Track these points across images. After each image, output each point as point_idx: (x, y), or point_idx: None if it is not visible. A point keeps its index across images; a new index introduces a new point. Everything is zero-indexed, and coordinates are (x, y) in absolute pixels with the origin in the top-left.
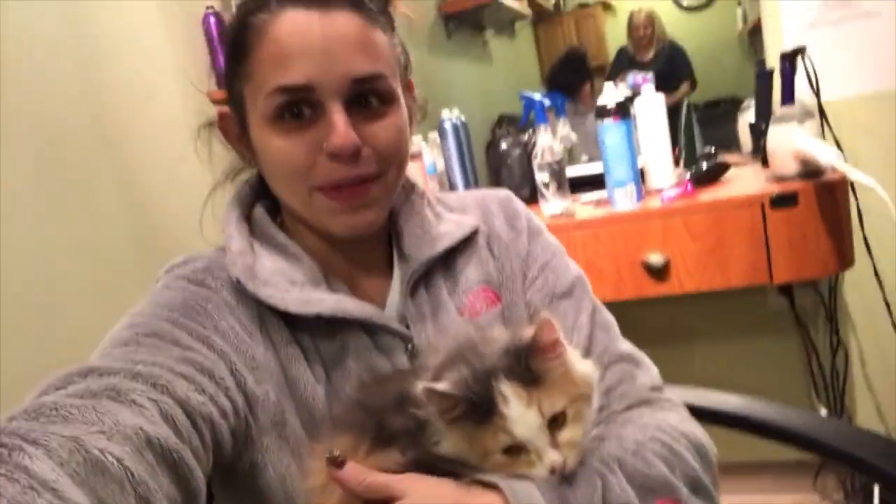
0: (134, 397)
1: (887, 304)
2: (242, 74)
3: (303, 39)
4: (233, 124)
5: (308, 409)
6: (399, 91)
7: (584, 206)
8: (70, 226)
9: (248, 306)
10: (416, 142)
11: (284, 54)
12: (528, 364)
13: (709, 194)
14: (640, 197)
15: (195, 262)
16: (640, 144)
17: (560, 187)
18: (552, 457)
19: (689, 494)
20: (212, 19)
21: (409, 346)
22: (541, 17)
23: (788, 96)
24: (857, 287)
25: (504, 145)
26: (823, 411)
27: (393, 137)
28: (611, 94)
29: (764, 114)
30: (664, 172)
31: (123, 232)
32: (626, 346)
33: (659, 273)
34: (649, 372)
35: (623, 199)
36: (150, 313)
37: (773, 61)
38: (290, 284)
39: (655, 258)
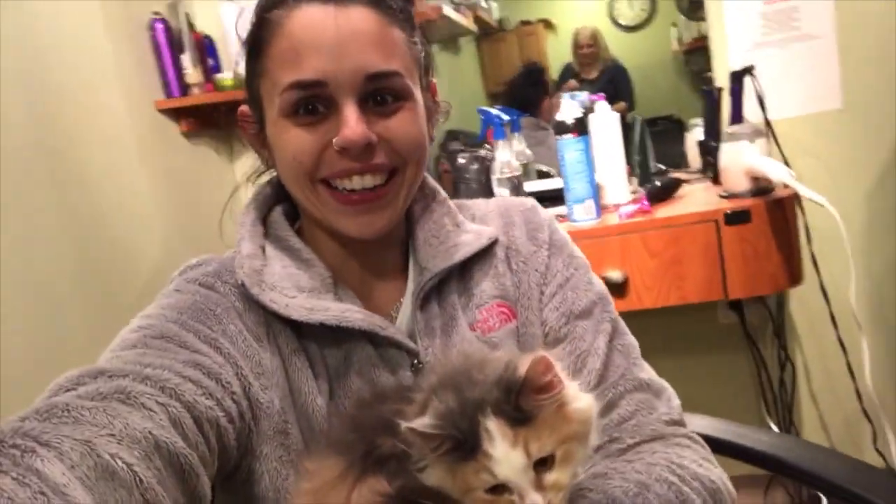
0: (143, 401)
1: (833, 319)
2: (259, 71)
3: (316, 34)
4: (251, 123)
5: (308, 420)
6: (416, 90)
7: None
8: (7, 233)
9: (256, 311)
10: None
11: (298, 50)
12: (518, 402)
13: (665, 211)
14: (598, 213)
15: (206, 266)
16: (594, 161)
17: None
18: (534, 499)
19: None
20: (158, 26)
21: (415, 361)
22: (485, 34)
23: (738, 115)
24: (803, 302)
25: (462, 160)
26: (773, 426)
27: (408, 132)
28: (569, 109)
29: (713, 132)
30: (620, 189)
31: (63, 240)
32: (646, 373)
33: (618, 289)
34: (669, 403)
35: (582, 215)
36: (159, 315)
37: (720, 80)
38: (298, 290)
39: (615, 274)
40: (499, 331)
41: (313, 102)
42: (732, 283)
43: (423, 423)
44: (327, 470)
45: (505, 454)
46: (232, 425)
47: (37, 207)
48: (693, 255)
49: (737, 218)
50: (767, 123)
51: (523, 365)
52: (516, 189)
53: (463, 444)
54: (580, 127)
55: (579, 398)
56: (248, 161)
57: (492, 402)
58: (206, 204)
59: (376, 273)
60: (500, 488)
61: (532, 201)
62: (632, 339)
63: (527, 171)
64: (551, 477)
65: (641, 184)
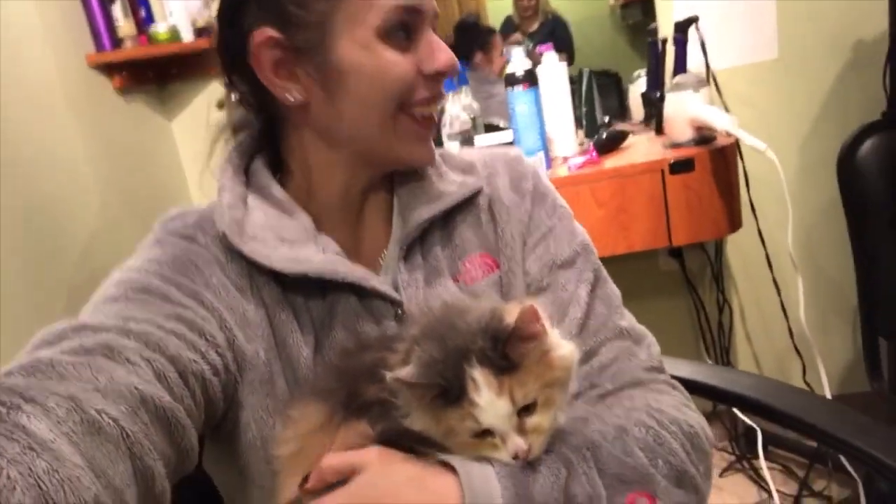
0: (128, 355)
1: (769, 262)
2: None
3: None
4: (280, 51)
5: (294, 372)
6: None
7: None
8: None
9: (238, 263)
10: None
11: None
12: (504, 351)
13: (612, 161)
14: (549, 165)
15: (186, 217)
16: (545, 116)
17: None
18: (517, 443)
19: (668, 487)
20: None
21: (399, 311)
22: None
23: (682, 65)
24: (740, 247)
25: None
26: (709, 362)
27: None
28: (519, 62)
29: (656, 83)
30: (568, 141)
31: None
32: (626, 321)
33: None
34: (649, 350)
35: None
36: (140, 268)
37: (664, 31)
38: (279, 241)
39: None
40: (482, 281)
41: (406, 27)
42: (676, 231)
43: (408, 372)
44: (311, 416)
45: (490, 402)
46: (217, 378)
47: None
48: (639, 205)
49: (681, 167)
50: (709, 73)
51: (509, 314)
52: (467, 143)
53: (448, 392)
54: (530, 79)
55: (561, 346)
56: (186, 120)
57: (476, 350)
58: (143, 164)
59: (363, 222)
60: (483, 432)
61: (517, 150)
62: (613, 288)
63: (475, 126)
64: (533, 421)
65: (588, 136)
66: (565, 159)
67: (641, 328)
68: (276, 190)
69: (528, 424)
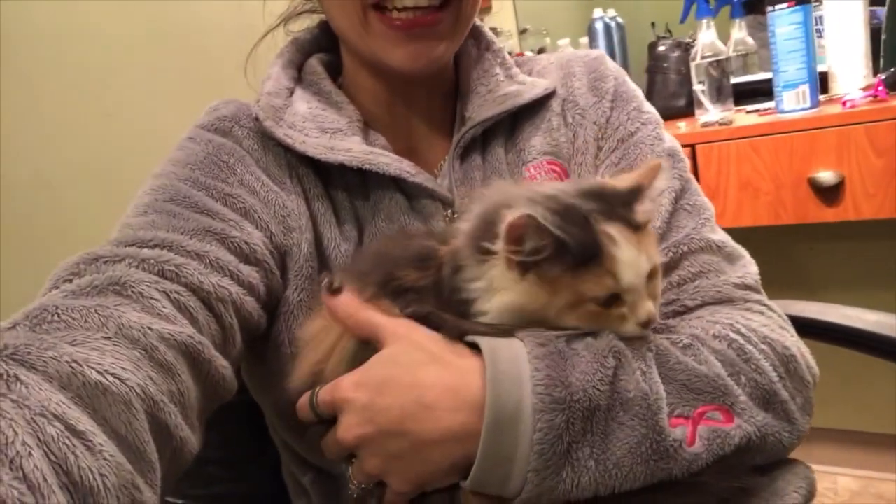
0: (142, 289)
1: None
2: None
3: None
4: None
5: (331, 267)
6: None
7: (748, 115)
8: None
9: (276, 153)
10: (563, 45)
11: None
12: (632, 209)
13: None
14: (814, 102)
15: (224, 108)
16: (826, 43)
17: (721, 93)
18: (649, 308)
19: (750, 406)
20: None
21: (450, 212)
22: None
23: None
24: None
25: (662, 47)
26: None
27: None
28: None
29: None
30: (854, 76)
31: None
32: (718, 235)
33: (828, 194)
34: (745, 269)
35: (792, 104)
36: (171, 173)
37: None
38: (321, 132)
39: (826, 176)
40: None
41: None
42: None
43: (541, 213)
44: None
45: (633, 257)
46: (253, 296)
47: None
48: None
49: None
50: None
51: (626, 180)
52: (719, 81)
53: (573, 252)
54: None
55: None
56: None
57: (597, 210)
58: (216, 52)
59: (423, 125)
60: (612, 299)
61: (599, 51)
62: (705, 201)
63: (746, 65)
64: (654, 287)
65: (886, 69)
66: (844, 102)
67: (738, 246)
68: (327, 84)
69: (652, 291)
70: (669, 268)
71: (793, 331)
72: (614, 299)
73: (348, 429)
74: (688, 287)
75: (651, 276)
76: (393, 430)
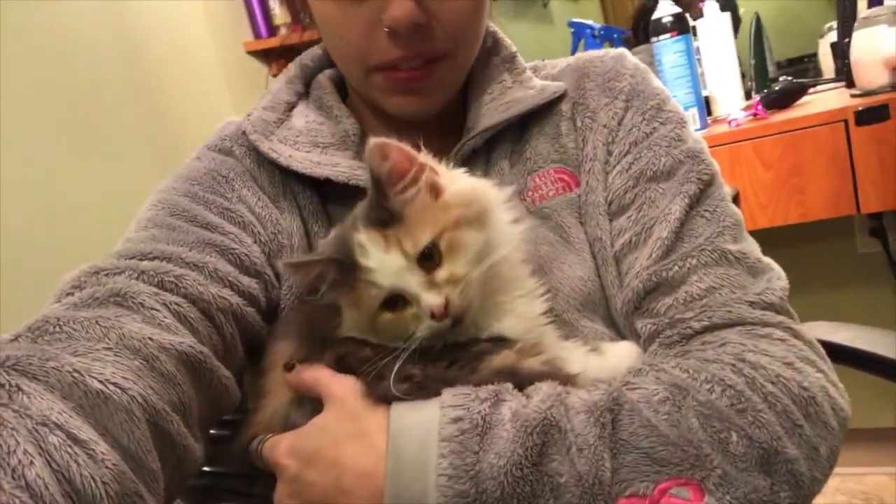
0: (142, 300)
1: None
2: None
3: None
4: None
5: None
6: None
7: None
8: (100, 171)
9: (270, 171)
10: None
11: None
12: (382, 203)
13: (782, 116)
14: (703, 123)
15: (228, 128)
16: (704, 70)
17: None
18: (429, 301)
19: (734, 475)
20: None
21: None
22: None
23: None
24: None
25: None
26: None
27: (465, 11)
28: (666, 7)
29: (847, 31)
30: (732, 98)
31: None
32: (740, 245)
33: None
34: (768, 284)
35: None
36: (173, 188)
37: None
38: (313, 146)
39: None
40: (553, 199)
41: None
42: (866, 196)
43: (294, 257)
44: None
45: (380, 261)
46: (253, 306)
47: (130, 148)
48: (816, 165)
49: (871, 116)
50: None
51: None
52: None
53: (348, 268)
54: (679, 25)
55: (457, 181)
56: None
57: (361, 215)
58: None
59: (429, 136)
60: (397, 302)
61: (622, 49)
62: (729, 208)
63: None
64: (443, 273)
65: (758, 91)
66: (730, 122)
67: (766, 259)
68: (329, 98)
69: (438, 277)
70: (677, 282)
71: (822, 362)
72: (399, 302)
73: (281, 497)
74: (695, 305)
75: (434, 259)
76: None
